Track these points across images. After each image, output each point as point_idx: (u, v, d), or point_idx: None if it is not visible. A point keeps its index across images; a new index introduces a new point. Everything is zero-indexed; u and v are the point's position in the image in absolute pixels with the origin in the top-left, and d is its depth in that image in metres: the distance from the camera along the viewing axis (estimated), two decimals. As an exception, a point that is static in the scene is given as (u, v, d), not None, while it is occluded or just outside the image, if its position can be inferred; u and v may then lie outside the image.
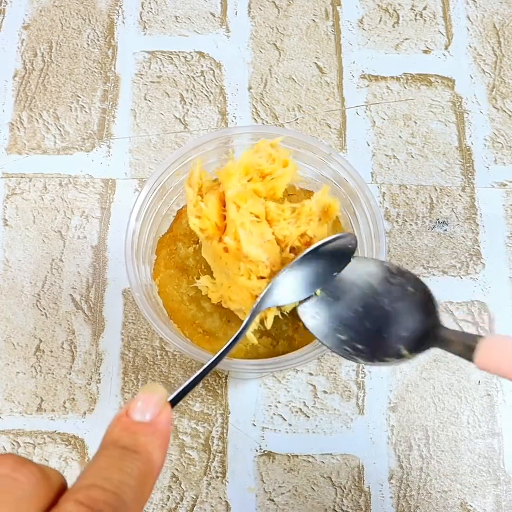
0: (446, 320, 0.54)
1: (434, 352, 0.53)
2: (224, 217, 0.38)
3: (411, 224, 0.56)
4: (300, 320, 0.42)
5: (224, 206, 0.38)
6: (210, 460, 0.50)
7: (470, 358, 0.31)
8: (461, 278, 0.55)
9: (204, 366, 0.32)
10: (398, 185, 0.58)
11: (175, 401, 0.29)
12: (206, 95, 0.60)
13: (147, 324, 0.53)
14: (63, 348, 0.52)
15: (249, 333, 0.38)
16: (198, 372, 0.31)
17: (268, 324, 0.39)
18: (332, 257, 0.39)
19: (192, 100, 0.60)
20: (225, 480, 0.50)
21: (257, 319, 0.39)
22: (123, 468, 0.23)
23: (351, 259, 0.39)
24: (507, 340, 0.30)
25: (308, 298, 0.39)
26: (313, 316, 0.39)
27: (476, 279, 0.55)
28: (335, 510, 0.49)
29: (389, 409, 0.52)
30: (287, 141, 0.44)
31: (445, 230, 0.56)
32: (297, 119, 0.60)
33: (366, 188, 0.43)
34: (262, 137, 0.45)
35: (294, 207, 0.39)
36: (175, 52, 0.62)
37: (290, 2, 0.64)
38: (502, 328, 0.54)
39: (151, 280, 0.43)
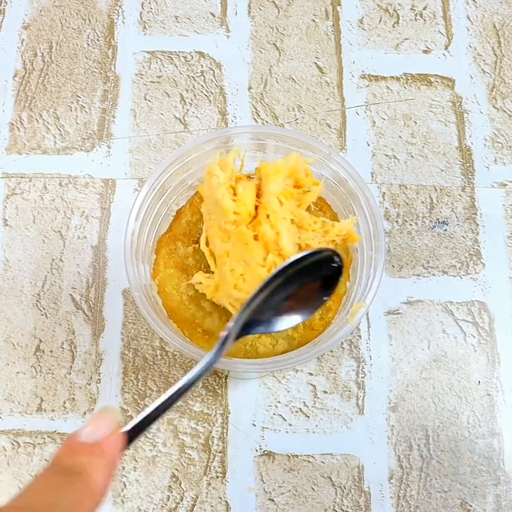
0: (446, 320, 0.54)
1: (434, 352, 0.53)
2: (255, 207, 0.39)
3: (411, 224, 0.56)
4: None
5: (258, 197, 0.39)
6: (210, 460, 0.50)
7: None
8: (461, 278, 0.55)
9: (165, 396, 0.30)
10: (398, 185, 0.58)
11: (133, 433, 0.28)
12: (206, 95, 0.60)
13: (147, 324, 0.53)
14: (63, 348, 0.52)
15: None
16: (155, 404, 0.29)
17: None
18: (317, 279, 0.37)
19: (192, 100, 0.60)
20: (225, 480, 0.50)
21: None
22: (58, 490, 0.23)
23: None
24: None
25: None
26: None
27: (476, 279, 0.55)
28: (335, 510, 0.49)
29: (389, 409, 0.52)
30: (287, 141, 0.44)
31: (445, 230, 0.56)
32: (297, 119, 0.60)
33: (366, 188, 0.43)
34: (262, 137, 0.45)
35: (325, 222, 0.40)
36: (175, 52, 0.62)
37: (290, 2, 0.64)
38: (502, 328, 0.54)
39: (150, 279, 0.43)
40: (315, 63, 0.62)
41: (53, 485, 0.23)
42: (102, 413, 0.27)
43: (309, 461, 0.50)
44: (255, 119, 0.59)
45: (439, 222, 0.57)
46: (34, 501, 0.23)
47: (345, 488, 0.50)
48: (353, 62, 0.62)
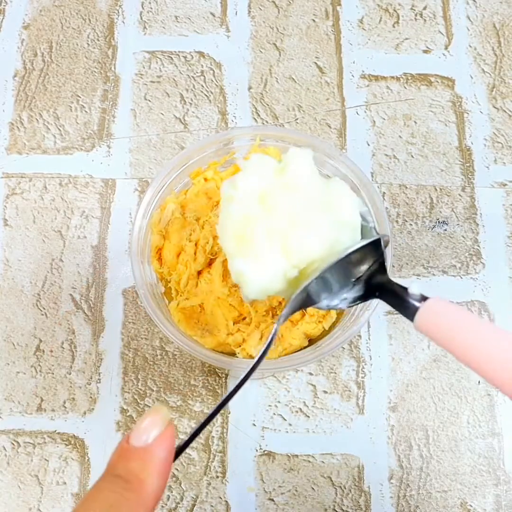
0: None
1: (434, 352, 0.53)
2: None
3: (411, 224, 0.56)
4: None
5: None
6: (210, 460, 0.50)
7: (411, 318, 0.29)
8: (461, 278, 0.55)
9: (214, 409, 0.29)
10: (398, 185, 0.58)
11: (181, 449, 0.27)
12: (206, 95, 0.60)
13: (147, 323, 0.53)
14: (63, 348, 0.52)
15: None
16: (204, 420, 0.28)
17: None
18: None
19: (192, 100, 0.60)
20: (225, 480, 0.50)
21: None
22: (111, 500, 0.23)
23: None
24: (448, 305, 0.28)
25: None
26: None
27: (476, 279, 0.55)
28: (335, 510, 0.49)
29: (389, 409, 0.52)
30: (290, 140, 0.44)
31: (445, 230, 0.56)
32: (297, 119, 0.60)
33: (372, 187, 0.43)
34: (264, 138, 0.45)
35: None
36: (175, 52, 0.62)
37: (290, 2, 0.63)
38: (502, 328, 0.54)
39: (155, 279, 0.43)
40: (315, 63, 0.62)
41: (107, 495, 0.23)
42: (151, 413, 0.26)
43: (309, 461, 0.51)
44: (255, 119, 0.59)
45: (439, 222, 0.57)
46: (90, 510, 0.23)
47: (345, 488, 0.50)
48: (353, 62, 0.62)
